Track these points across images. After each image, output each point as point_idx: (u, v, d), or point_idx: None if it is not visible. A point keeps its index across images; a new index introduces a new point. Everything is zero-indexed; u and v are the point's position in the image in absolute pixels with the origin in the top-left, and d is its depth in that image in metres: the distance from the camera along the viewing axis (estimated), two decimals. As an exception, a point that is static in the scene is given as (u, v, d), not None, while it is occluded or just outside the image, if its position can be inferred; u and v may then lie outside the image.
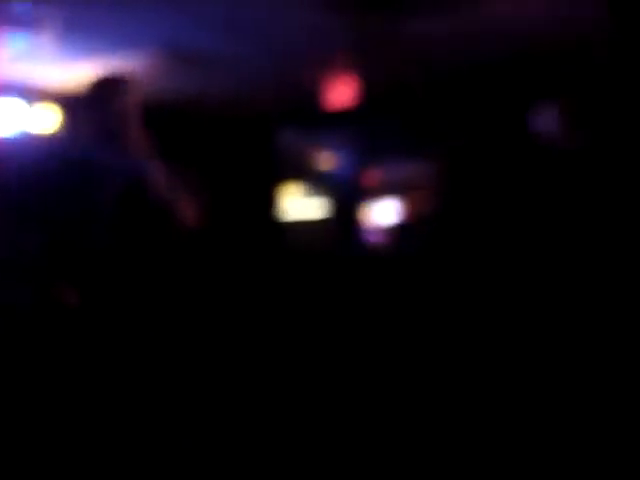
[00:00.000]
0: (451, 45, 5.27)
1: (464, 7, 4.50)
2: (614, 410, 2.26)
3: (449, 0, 4.40)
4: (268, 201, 7.21)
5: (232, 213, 6.86)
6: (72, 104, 5.77)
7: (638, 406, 2.23)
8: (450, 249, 4.84)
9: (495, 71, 5.78)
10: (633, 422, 2.22)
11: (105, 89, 2.65)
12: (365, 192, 6.80)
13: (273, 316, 5.72)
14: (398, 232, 6.69)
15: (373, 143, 6.66)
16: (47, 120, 6.01)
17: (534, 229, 2.62)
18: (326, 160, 6.90)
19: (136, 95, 2.67)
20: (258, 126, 7.20)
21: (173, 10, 4.48)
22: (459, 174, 5.35)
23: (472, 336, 3.00)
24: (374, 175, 6.85)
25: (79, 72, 5.75)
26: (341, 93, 6.12)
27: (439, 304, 4.64)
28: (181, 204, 2.50)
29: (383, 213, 6.75)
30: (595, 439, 2.26)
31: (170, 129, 5.81)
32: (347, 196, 6.84)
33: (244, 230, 6.98)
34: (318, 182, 6.99)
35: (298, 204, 7.10)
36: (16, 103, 5.93)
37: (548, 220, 2.57)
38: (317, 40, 5.09)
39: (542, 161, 2.59)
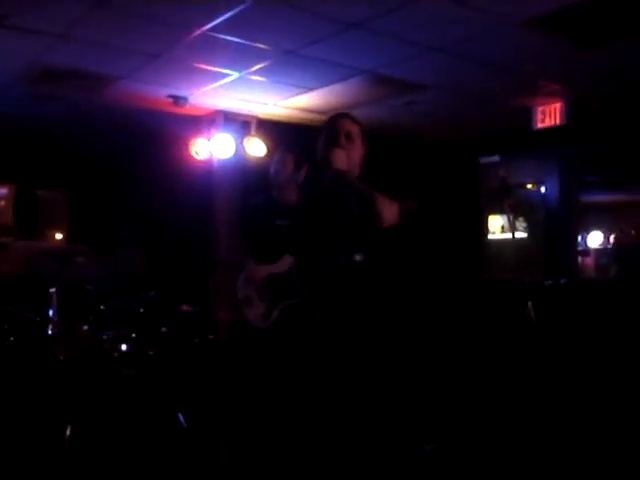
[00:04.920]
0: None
1: None
2: None
3: None
4: (471, 223, 7.11)
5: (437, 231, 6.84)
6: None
7: None
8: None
9: None
10: None
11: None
12: (573, 214, 6.51)
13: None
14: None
15: (579, 165, 6.36)
16: (257, 147, 6.32)
17: None
18: (530, 181, 6.68)
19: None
20: (463, 150, 7.14)
21: (379, 41, 4.53)
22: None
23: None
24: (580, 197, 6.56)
25: (289, 103, 6.02)
26: (548, 115, 5.92)
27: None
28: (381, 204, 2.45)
29: (593, 236, 6.44)
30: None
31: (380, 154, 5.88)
32: (555, 218, 6.58)
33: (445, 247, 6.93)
34: (523, 203, 6.77)
35: (501, 226, 6.94)
36: (231, 132, 6.29)
37: None
38: (525, 61, 4.95)
39: None
